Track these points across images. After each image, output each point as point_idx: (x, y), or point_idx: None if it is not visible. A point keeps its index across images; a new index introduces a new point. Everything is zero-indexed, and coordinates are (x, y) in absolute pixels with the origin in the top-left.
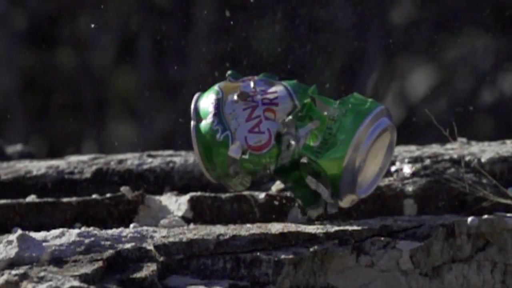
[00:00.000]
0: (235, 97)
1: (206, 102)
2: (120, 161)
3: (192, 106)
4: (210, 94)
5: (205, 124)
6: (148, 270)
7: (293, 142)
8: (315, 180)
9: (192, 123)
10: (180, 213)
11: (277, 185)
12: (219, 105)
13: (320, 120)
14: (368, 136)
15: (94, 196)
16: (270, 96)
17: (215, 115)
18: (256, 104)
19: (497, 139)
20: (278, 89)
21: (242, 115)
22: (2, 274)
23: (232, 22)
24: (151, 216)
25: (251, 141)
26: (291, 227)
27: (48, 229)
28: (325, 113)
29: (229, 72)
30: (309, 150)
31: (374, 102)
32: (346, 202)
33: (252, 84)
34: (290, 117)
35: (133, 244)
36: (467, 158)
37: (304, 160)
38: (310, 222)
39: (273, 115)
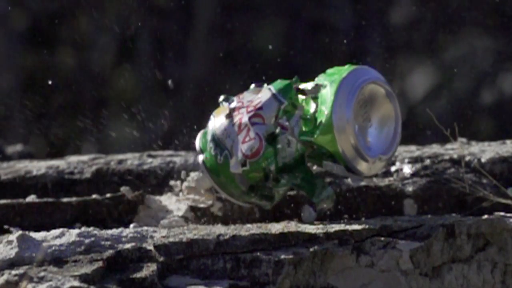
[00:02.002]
0: (224, 117)
1: (206, 134)
2: (120, 161)
3: (196, 143)
4: (208, 125)
5: (206, 154)
6: (148, 270)
7: (290, 138)
8: (330, 162)
9: (199, 158)
10: (180, 213)
11: None
12: (212, 130)
13: (305, 103)
14: (349, 97)
15: (94, 196)
16: (255, 103)
17: (211, 141)
18: (242, 115)
19: (497, 139)
20: (263, 93)
21: (233, 131)
22: (2, 274)
23: (232, 22)
24: (151, 216)
25: (246, 151)
26: (291, 227)
27: (48, 229)
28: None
29: (221, 97)
30: (305, 134)
31: (351, 65)
32: (368, 169)
33: (235, 100)
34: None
35: (133, 244)
36: (467, 158)
37: (311, 148)
38: (321, 217)
39: (261, 119)
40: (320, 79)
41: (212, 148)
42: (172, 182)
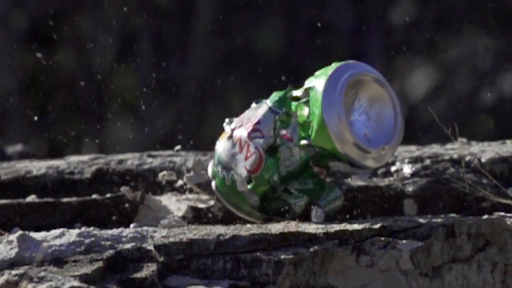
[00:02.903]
0: (226, 139)
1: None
2: (120, 161)
3: (208, 171)
4: (215, 149)
5: (216, 179)
6: (148, 270)
7: (292, 146)
8: (336, 162)
9: (212, 184)
10: (180, 213)
11: None
12: (218, 153)
13: (299, 109)
14: (337, 94)
15: (94, 196)
16: (253, 119)
17: (218, 164)
18: (242, 133)
19: (497, 139)
20: (260, 108)
21: (236, 150)
22: (2, 274)
23: (232, 22)
24: (151, 216)
25: (249, 167)
26: (291, 227)
27: (48, 229)
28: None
29: (225, 121)
30: (303, 139)
31: (337, 63)
32: (372, 162)
33: (235, 120)
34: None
35: (133, 244)
36: (467, 158)
37: (314, 152)
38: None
39: (259, 133)
40: (309, 82)
41: (219, 171)
42: (160, 175)
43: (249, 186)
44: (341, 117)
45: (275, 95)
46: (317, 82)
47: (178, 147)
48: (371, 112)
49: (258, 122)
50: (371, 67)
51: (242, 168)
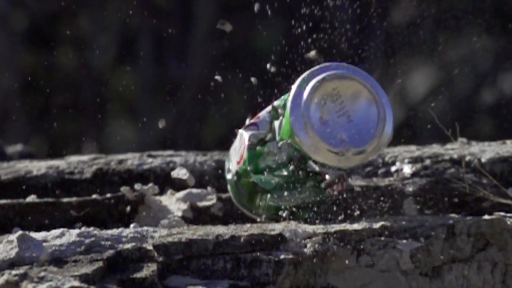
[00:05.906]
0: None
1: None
2: (120, 161)
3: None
4: None
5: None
6: (148, 270)
7: (281, 142)
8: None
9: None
10: (180, 213)
11: None
12: (229, 152)
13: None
14: (304, 94)
15: (94, 196)
16: (257, 114)
17: (226, 160)
18: (243, 128)
19: (497, 139)
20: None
21: (236, 144)
22: (2, 274)
23: (232, 22)
24: (151, 216)
25: (237, 158)
26: (291, 227)
27: (48, 229)
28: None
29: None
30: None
31: (324, 63)
32: (339, 161)
33: (247, 121)
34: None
35: (133, 244)
36: (467, 158)
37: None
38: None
39: (255, 127)
40: (296, 81)
41: (224, 166)
42: (136, 186)
43: (235, 178)
44: (306, 120)
45: (283, 95)
46: (296, 81)
47: (162, 121)
48: (354, 114)
49: (258, 117)
50: (359, 69)
51: (235, 161)
